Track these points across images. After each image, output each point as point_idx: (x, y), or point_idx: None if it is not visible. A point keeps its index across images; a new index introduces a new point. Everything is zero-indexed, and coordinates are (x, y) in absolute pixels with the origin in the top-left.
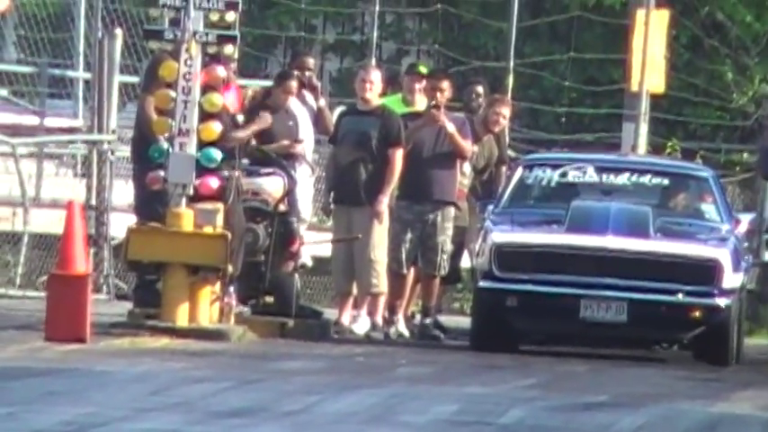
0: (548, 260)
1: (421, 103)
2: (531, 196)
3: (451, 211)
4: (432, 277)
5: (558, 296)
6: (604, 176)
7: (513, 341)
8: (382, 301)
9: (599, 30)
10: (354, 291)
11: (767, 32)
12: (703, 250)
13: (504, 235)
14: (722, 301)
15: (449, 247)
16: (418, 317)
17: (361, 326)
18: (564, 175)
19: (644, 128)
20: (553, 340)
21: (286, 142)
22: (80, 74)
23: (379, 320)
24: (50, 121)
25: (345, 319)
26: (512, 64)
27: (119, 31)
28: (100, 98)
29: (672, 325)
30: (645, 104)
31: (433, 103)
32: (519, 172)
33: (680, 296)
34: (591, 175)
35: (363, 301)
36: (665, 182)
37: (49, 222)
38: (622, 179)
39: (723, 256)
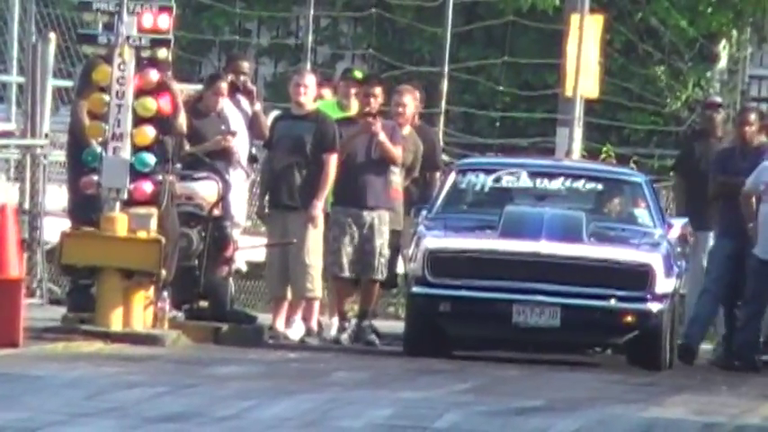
0: (481, 265)
1: (356, 108)
2: (465, 201)
3: (386, 215)
4: (371, 281)
5: (490, 301)
6: (538, 181)
7: (447, 346)
8: (317, 305)
9: (533, 35)
10: (289, 295)
11: (700, 37)
12: (636, 255)
13: (436, 240)
14: (654, 306)
15: (386, 251)
16: (352, 321)
17: (296, 331)
18: (498, 180)
19: (578, 133)
20: (487, 345)
21: (219, 137)
22: (13, 78)
23: (314, 325)
24: None
25: (280, 325)
26: (446, 69)
27: (52, 36)
28: (33, 102)
29: (605, 330)
30: (579, 109)
31: (367, 110)
32: (452, 177)
33: (612, 301)
34: (524, 181)
35: (298, 306)
36: (599, 187)
37: None
38: (556, 184)
39: (655, 261)
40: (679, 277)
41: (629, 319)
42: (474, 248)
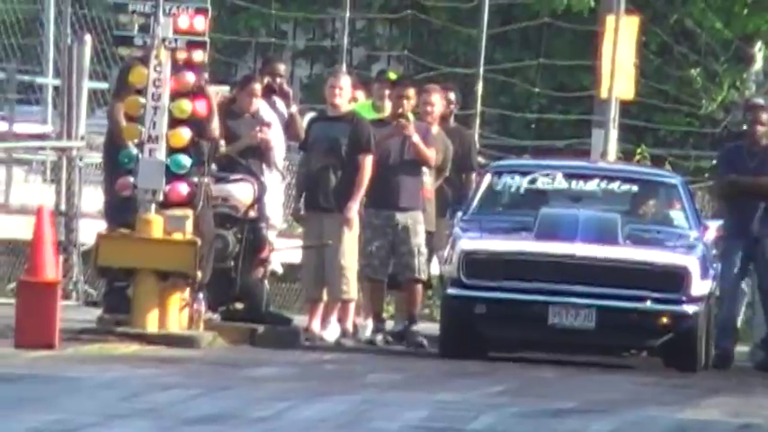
0: (516, 267)
1: (389, 109)
2: (500, 203)
3: (420, 215)
4: (413, 282)
5: (526, 303)
6: (573, 183)
7: (482, 348)
8: (352, 307)
9: (568, 36)
10: (324, 297)
11: (735, 39)
12: (671, 257)
13: (472, 242)
14: (690, 308)
15: (424, 250)
16: (390, 323)
17: (332, 333)
18: (533, 181)
19: (613, 134)
20: (522, 347)
21: (254, 131)
22: (49, 80)
23: (350, 327)
24: (19, 127)
25: (315, 326)
26: (482, 70)
27: (88, 37)
28: (69, 104)
29: (640, 332)
30: (614, 111)
31: (399, 111)
32: (487, 178)
33: (648, 303)
34: (560, 182)
35: (333, 308)
36: (634, 188)
37: (18, 228)
38: (591, 186)
39: (691, 263)
40: (714, 279)
41: (664, 320)
42: (509, 250)
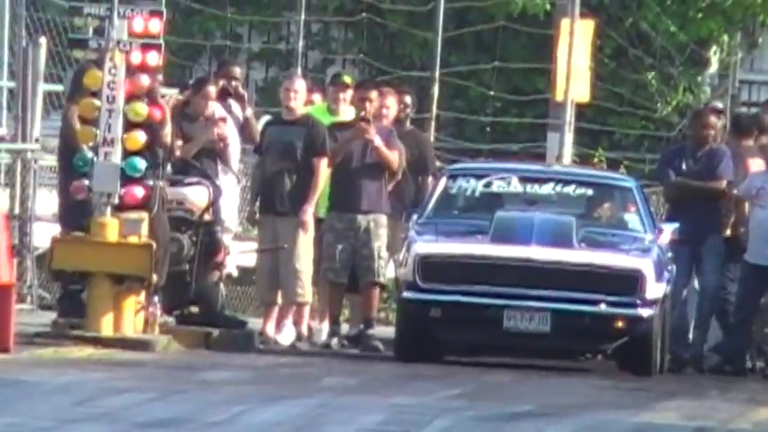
0: (471, 271)
1: (345, 112)
2: (456, 206)
3: (383, 218)
4: (372, 285)
5: (481, 307)
6: (528, 187)
7: (438, 352)
8: (307, 310)
9: (524, 40)
10: (279, 301)
11: (690, 43)
12: (626, 261)
13: (427, 245)
14: (645, 312)
15: (384, 253)
16: (346, 327)
17: (287, 336)
18: (488, 185)
19: (569, 138)
20: (478, 351)
21: (211, 126)
22: (4, 82)
23: (305, 330)
24: None
25: (270, 330)
26: (437, 74)
27: (43, 40)
28: (24, 107)
29: (595, 335)
30: (570, 114)
31: (362, 114)
32: (443, 182)
33: (603, 306)
34: (515, 186)
35: (288, 311)
36: (589, 192)
37: None
38: (546, 189)
39: (646, 266)
40: (669, 282)
41: (619, 324)
42: (465, 254)
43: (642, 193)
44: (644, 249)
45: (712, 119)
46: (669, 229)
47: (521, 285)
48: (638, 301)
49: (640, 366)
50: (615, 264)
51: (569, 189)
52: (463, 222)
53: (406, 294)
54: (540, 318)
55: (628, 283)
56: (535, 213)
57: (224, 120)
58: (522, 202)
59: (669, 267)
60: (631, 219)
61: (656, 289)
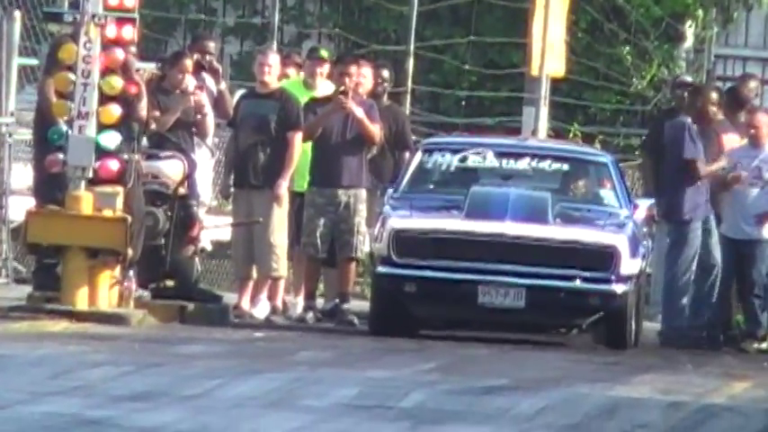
0: (446, 246)
1: (322, 87)
2: (431, 181)
3: (363, 193)
4: (349, 260)
5: (456, 282)
6: (504, 161)
7: (413, 326)
8: (282, 284)
9: (499, 13)
10: (254, 275)
11: (666, 17)
12: (601, 236)
13: (402, 221)
14: (619, 288)
15: (364, 228)
16: (321, 301)
17: (261, 310)
18: (463, 159)
19: (544, 112)
20: (453, 325)
21: (188, 94)
22: None
23: (280, 304)
24: None
25: (245, 304)
26: (412, 47)
27: (17, 14)
28: None
29: (569, 311)
30: (545, 88)
31: (342, 88)
32: (418, 156)
33: (577, 282)
34: (491, 160)
35: (263, 286)
36: (565, 167)
37: None
38: (522, 164)
39: (621, 242)
40: (644, 258)
41: (593, 300)
42: (439, 229)
43: (617, 169)
44: (619, 225)
45: (714, 95)
46: (645, 205)
47: (495, 261)
48: (613, 277)
49: (614, 341)
50: (590, 240)
51: (545, 164)
52: (438, 197)
53: (381, 269)
54: (514, 293)
55: (602, 258)
56: (510, 189)
57: (200, 88)
58: (497, 176)
59: (644, 243)
60: (607, 194)
61: (630, 265)
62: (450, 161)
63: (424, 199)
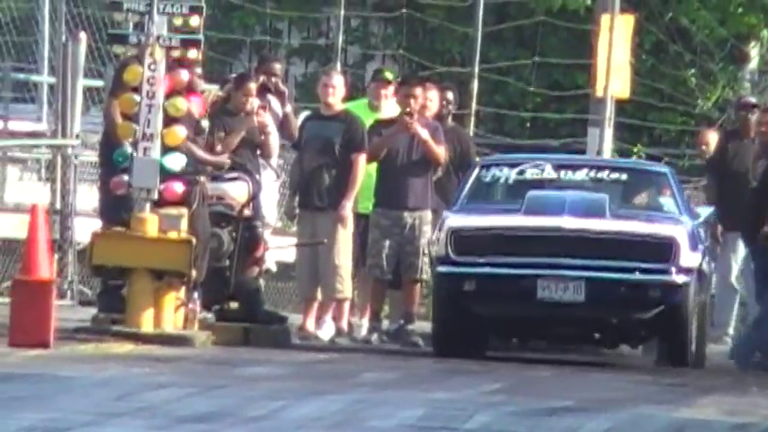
0: (503, 242)
1: (387, 109)
2: (489, 194)
3: (428, 214)
4: (414, 282)
5: (515, 278)
6: (562, 173)
7: (477, 337)
8: (347, 306)
9: (564, 35)
10: (319, 296)
11: (730, 38)
12: (659, 228)
13: (459, 219)
14: (680, 279)
15: (428, 250)
16: (385, 323)
17: (327, 331)
18: (521, 172)
19: (609, 133)
20: (515, 331)
21: (250, 115)
22: (44, 78)
23: (345, 326)
24: (14, 125)
25: (310, 325)
26: (477, 69)
27: (83, 35)
28: (64, 102)
29: (630, 304)
30: (610, 109)
31: (407, 110)
32: (476, 172)
33: (637, 274)
34: (549, 172)
35: (328, 307)
36: (624, 177)
37: (12, 227)
38: (580, 175)
39: (680, 233)
40: (705, 255)
41: (653, 292)
42: (496, 225)
43: (676, 179)
44: (677, 221)
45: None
46: (705, 213)
47: (554, 255)
48: (673, 269)
49: (676, 342)
50: (648, 231)
51: (603, 174)
52: (496, 206)
53: (440, 269)
54: (574, 287)
55: (662, 250)
56: (568, 192)
57: (264, 107)
58: (556, 188)
59: (706, 243)
60: (666, 201)
61: (690, 257)
62: (508, 174)
63: (483, 207)
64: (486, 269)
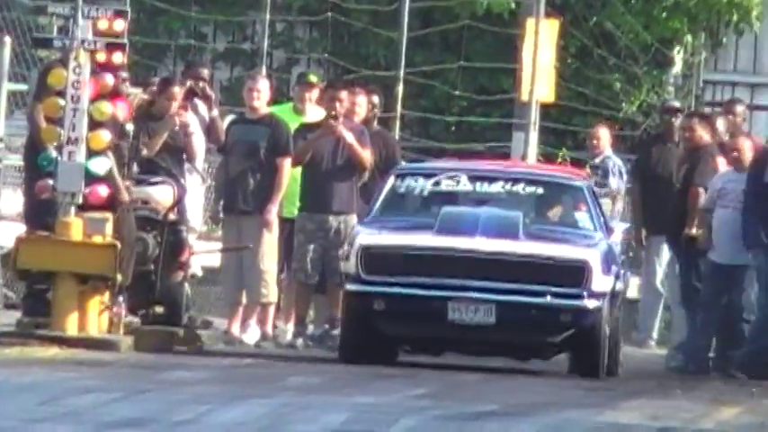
0: (415, 262)
1: (312, 112)
2: (403, 206)
3: (354, 219)
4: (339, 286)
5: (425, 299)
6: (477, 185)
7: (385, 351)
8: (272, 310)
9: (489, 39)
10: (244, 300)
11: (655, 42)
12: (572, 251)
13: (370, 237)
14: (591, 303)
15: None
16: (310, 327)
17: (252, 336)
18: (437, 183)
19: (534, 137)
20: (423, 346)
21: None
22: None
23: (269, 330)
24: None
25: (235, 329)
26: (402, 73)
27: (7, 39)
28: None
29: (541, 327)
30: (535, 114)
31: (332, 113)
32: (390, 182)
33: (548, 298)
34: (464, 184)
35: (253, 311)
36: (539, 191)
37: None
38: (496, 188)
39: (592, 257)
40: (619, 278)
41: (564, 316)
42: (408, 245)
43: (593, 193)
44: (591, 242)
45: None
46: (620, 228)
47: (465, 277)
48: (585, 293)
49: (588, 362)
50: (560, 254)
51: (519, 188)
52: (410, 220)
53: (350, 287)
54: (485, 310)
55: (573, 274)
56: (482, 208)
57: (184, 108)
58: (471, 201)
59: (619, 262)
60: (581, 217)
61: (603, 282)
62: (423, 186)
63: (396, 221)
64: (397, 289)
